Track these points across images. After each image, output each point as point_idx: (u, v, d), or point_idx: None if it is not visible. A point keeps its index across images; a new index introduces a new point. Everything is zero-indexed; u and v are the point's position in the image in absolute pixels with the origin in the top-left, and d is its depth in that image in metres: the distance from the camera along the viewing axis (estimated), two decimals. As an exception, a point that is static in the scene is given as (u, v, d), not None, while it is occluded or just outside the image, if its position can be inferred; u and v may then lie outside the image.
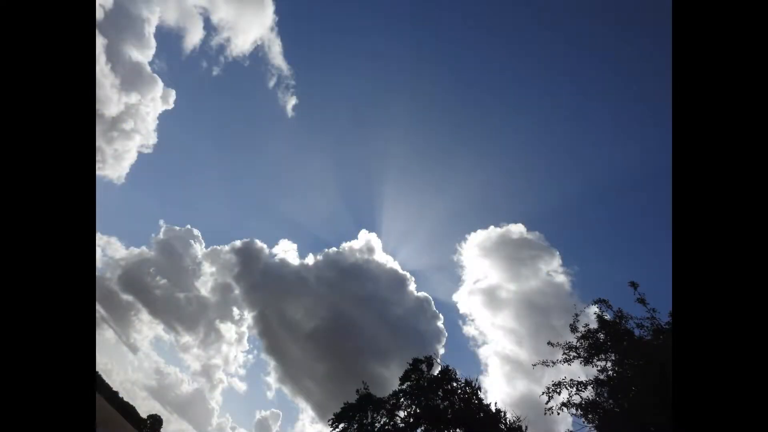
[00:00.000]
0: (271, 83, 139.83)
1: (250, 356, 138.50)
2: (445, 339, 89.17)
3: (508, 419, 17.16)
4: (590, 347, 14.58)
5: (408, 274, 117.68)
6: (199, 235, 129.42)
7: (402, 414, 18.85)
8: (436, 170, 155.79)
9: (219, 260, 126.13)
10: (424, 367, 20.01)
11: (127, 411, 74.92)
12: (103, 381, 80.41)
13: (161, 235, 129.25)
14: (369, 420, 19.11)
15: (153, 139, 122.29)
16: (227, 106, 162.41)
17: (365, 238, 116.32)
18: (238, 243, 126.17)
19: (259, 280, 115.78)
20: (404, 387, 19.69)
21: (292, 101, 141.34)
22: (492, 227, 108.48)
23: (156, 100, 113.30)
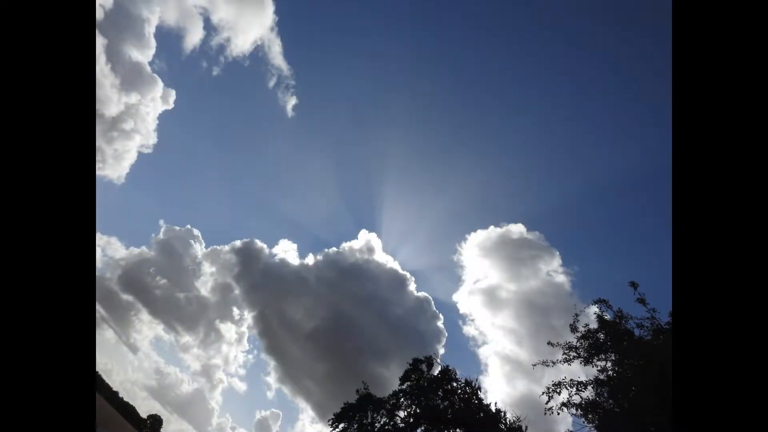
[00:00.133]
0: (271, 83, 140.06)
1: (250, 356, 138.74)
2: (445, 339, 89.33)
3: (508, 419, 17.17)
4: (590, 347, 14.59)
5: (408, 274, 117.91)
6: (199, 235, 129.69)
7: (402, 414, 18.85)
8: (436, 170, 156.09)
9: (219, 260, 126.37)
10: (424, 367, 20.01)
11: (127, 411, 74.95)
12: (103, 381, 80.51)
13: (161, 235, 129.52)
14: (369, 420, 19.11)
15: (153, 139, 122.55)
16: (227, 106, 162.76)
17: (365, 238, 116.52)
18: (238, 243, 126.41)
19: (259, 280, 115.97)
20: (404, 387, 19.70)
21: (292, 101, 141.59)
22: (492, 227, 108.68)
23: (156, 100, 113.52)
